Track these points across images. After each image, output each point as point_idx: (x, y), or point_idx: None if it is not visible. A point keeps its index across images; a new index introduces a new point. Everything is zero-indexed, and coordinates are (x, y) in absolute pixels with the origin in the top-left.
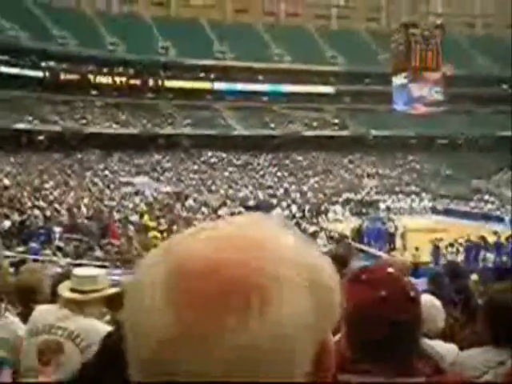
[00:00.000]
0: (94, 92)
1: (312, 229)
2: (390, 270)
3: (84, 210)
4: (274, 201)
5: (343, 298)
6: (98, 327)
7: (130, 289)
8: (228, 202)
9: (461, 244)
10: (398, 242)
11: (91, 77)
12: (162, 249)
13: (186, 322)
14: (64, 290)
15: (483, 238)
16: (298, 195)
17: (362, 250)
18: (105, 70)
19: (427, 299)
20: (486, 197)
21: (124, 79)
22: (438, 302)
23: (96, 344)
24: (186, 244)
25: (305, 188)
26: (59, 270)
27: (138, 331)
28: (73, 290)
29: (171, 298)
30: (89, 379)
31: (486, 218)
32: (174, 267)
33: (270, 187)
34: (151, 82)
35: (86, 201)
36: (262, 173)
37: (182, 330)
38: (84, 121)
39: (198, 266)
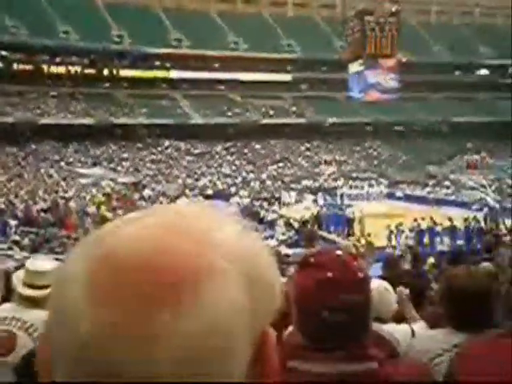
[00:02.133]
0: (47, 82)
1: (270, 216)
2: (339, 252)
3: (40, 202)
4: (233, 189)
5: (292, 284)
6: None
7: (54, 283)
8: (186, 191)
9: (416, 229)
10: (356, 228)
11: (45, 67)
12: (91, 238)
13: (111, 319)
14: (18, 284)
15: (435, 223)
16: (257, 183)
17: (321, 237)
18: (58, 60)
19: (379, 283)
20: (442, 182)
21: (78, 68)
22: (389, 286)
23: None
24: (114, 232)
25: (263, 176)
26: (14, 263)
27: (60, 329)
28: (27, 285)
29: (95, 293)
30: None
31: (441, 202)
32: (98, 259)
33: (228, 176)
34: (106, 72)
35: (41, 193)
36: (220, 161)
37: (107, 329)
38: (38, 111)
39: (124, 258)
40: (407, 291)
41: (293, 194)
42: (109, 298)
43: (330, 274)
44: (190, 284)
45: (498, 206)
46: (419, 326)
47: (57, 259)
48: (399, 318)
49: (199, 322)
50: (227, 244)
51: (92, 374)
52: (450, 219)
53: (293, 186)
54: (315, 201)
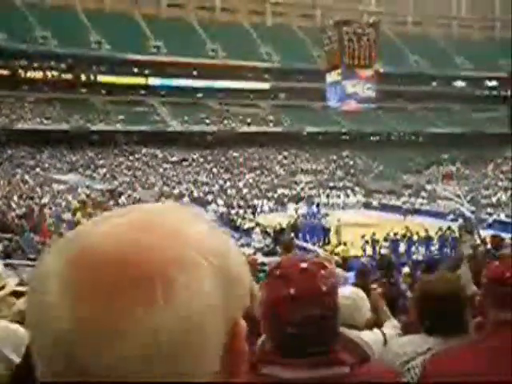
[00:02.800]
0: (24, 87)
1: (247, 225)
2: (304, 265)
3: (15, 208)
4: (210, 197)
5: (262, 292)
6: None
7: (30, 281)
8: (163, 198)
9: (391, 238)
10: (332, 237)
11: (22, 72)
12: (67, 236)
13: (83, 316)
14: None
15: (410, 233)
16: (234, 191)
17: (297, 246)
18: (36, 65)
19: (352, 291)
20: (417, 192)
21: (56, 74)
22: (362, 294)
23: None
24: (87, 231)
25: (240, 184)
26: None
27: (37, 326)
28: None
29: (67, 289)
30: (21, 380)
31: (417, 212)
32: (71, 256)
33: (205, 184)
34: (84, 77)
35: (16, 199)
36: (197, 169)
37: (78, 326)
38: (14, 116)
39: (97, 255)
40: (379, 289)
41: (269, 202)
42: (83, 293)
43: (292, 291)
44: (163, 279)
45: (472, 216)
46: (392, 325)
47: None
48: (373, 326)
49: (172, 318)
50: (199, 240)
51: (68, 372)
52: (426, 229)
53: (269, 194)
54: (296, 210)
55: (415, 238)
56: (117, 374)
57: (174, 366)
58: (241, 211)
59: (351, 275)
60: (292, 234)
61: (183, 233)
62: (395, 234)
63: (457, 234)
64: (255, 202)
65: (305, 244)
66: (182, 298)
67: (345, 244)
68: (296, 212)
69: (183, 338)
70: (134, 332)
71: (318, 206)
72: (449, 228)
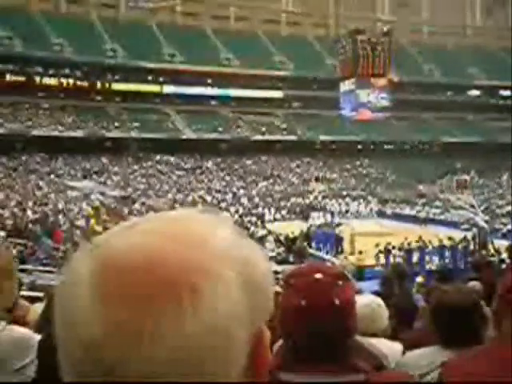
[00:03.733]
0: (40, 94)
1: (260, 232)
2: (318, 275)
3: (29, 213)
4: (223, 205)
5: (278, 300)
6: None
7: (59, 286)
8: (176, 206)
9: (405, 247)
10: (346, 246)
11: (37, 78)
12: (93, 243)
13: (114, 320)
14: None
15: (424, 242)
16: (247, 199)
17: (310, 254)
18: (51, 72)
19: (371, 299)
20: (431, 201)
21: (71, 81)
22: (381, 302)
23: None
24: (115, 237)
25: (253, 192)
26: None
27: (67, 330)
28: None
29: (96, 294)
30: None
31: (431, 221)
32: (100, 261)
33: (218, 191)
34: (99, 85)
35: (30, 205)
36: (210, 177)
37: (109, 329)
38: (29, 123)
39: (125, 261)
40: None
41: (282, 210)
42: (113, 297)
43: (303, 303)
44: (189, 286)
45: (486, 226)
46: None
47: (44, 271)
48: (393, 336)
49: (199, 323)
50: (224, 248)
51: (95, 374)
52: (439, 239)
53: (282, 203)
54: (306, 218)
55: (429, 247)
56: (143, 375)
57: (199, 369)
58: (254, 219)
59: (367, 284)
60: (305, 243)
61: (208, 241)
62: (409, 244)
63: (471, 244)
64: (268, 210)
65: (318, 253)
66: (207, 305)
67: (360, 253)
68: (312, 221)
69: (209, 343)
70: (162, 335)
71: (332, 214)
72: (464, 238)
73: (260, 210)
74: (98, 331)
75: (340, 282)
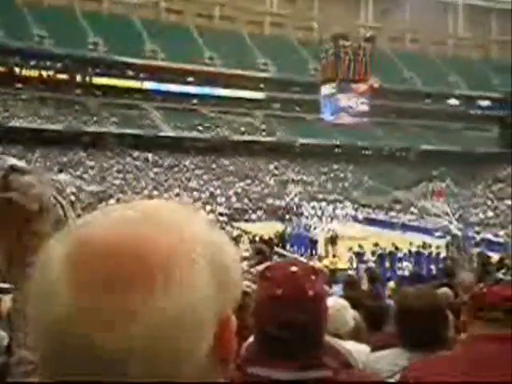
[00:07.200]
0: (18, 85)
1: (235, 233)
2: (294, 268)
3: None
4: (199, 204)
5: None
6: None
7: (34, 270)
8: None
9: (378, 252)
10: (320, 249)
11: (17, 69)
12: (67, 228)
13: (88, 297)
14: None
15: (396, 248)
16: (223, 199)
17: (283, 255)
18: (31, 63)
19: (336, 301)
20: (406, 208)
21: (51, 73)
22: (346, 304)
23: None
24: (88, 223)
25: (230, 192)
26: None
27: (38, 310)
28: None
29: (69, 276)
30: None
31: (405, 228)
32: (74, 245)
33: (195, 190)
34: (79, 78)
35: None
36: (187, 175)
37: (83, 306)
38: (6, 114)
39: (97, 246)
40: None
41: (259, 212)
42: (88, 278)
43: (279, 292)
44: (162, 267)
45: (460, 233)
46: None
47: None
48: (358, 338)
49: (170, 302)
50: (195, 232)
51: (68, 351)
52: (412, 245)
53: (259, 204)
54: (281, 219)
55: (402, 253)
56: (120, 351)
57: (172, 346)
58: (229, 219)
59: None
60: (279, 244)
61: (181, 227)
62: (382, 249)
63: (443, 251)
64: (244, 210)
65: (284, 252)
66: (179, 285)
67: (334, 256)
68: (287, 223)
69: (181, 320)
70: (135, 312)
71: (306, 217)
72: (436, 246)
73: (236, 210)
74: (71, 310)
75: (314, 277)
